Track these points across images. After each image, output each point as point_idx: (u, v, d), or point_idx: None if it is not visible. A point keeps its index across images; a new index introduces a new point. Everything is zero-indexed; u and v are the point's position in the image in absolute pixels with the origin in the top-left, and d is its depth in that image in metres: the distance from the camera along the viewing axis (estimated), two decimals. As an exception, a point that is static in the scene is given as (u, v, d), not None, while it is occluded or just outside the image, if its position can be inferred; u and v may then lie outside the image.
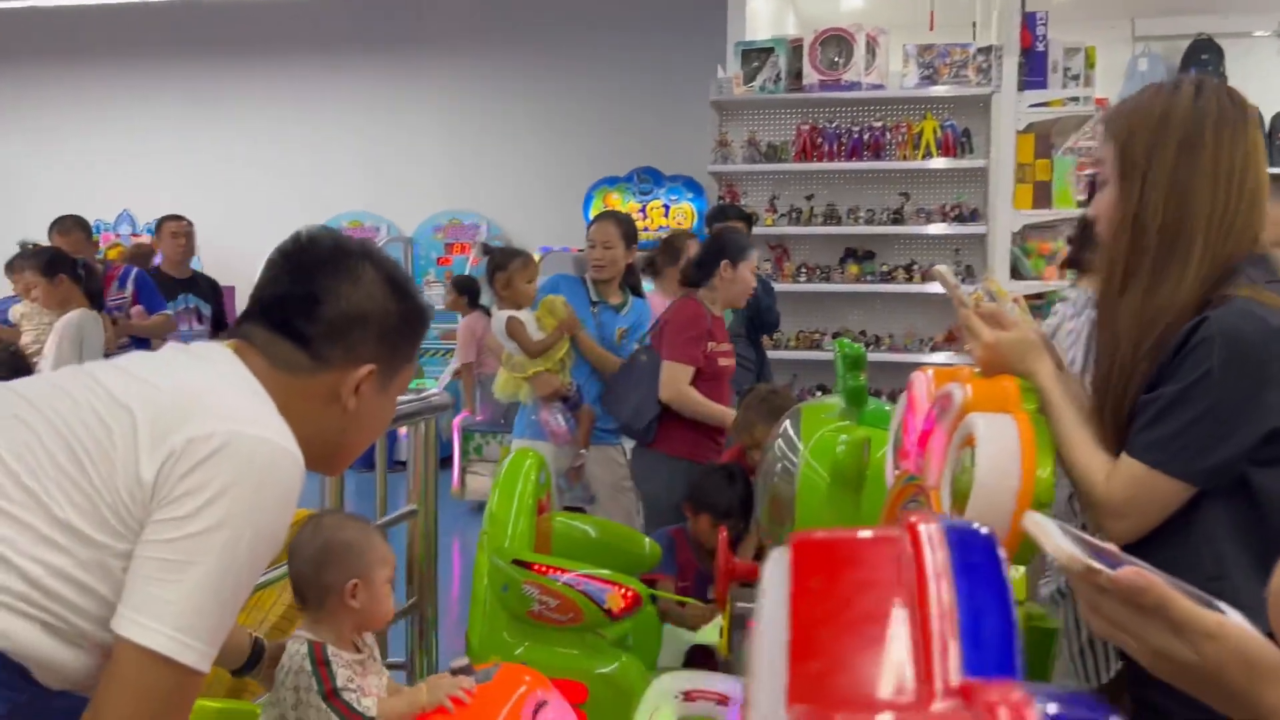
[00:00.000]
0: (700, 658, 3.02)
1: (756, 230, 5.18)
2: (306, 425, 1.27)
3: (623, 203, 8.66)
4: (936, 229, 5.80)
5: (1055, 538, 0.76)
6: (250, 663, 1.65)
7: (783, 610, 0.50)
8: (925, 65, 5.74)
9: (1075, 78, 5.76)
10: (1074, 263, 4.48)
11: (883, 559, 0.52)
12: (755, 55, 5.83)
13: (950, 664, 0.46)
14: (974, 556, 0.51)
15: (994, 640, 0.47)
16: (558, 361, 3.70)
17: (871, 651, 0.47)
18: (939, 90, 5.73)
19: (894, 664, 0.47)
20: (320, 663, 1.57)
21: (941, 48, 5.75)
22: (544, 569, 2.37)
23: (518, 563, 2.39)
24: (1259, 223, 1.39)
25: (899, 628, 0.49)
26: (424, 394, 2.88)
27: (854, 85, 5.70)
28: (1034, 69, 5.62)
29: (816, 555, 0.53)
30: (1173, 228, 1.37)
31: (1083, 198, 5.85)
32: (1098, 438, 1.43)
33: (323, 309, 1.31)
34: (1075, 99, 5.65)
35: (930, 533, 0.52)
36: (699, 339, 3.54)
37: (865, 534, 0.55)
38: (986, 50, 5.68)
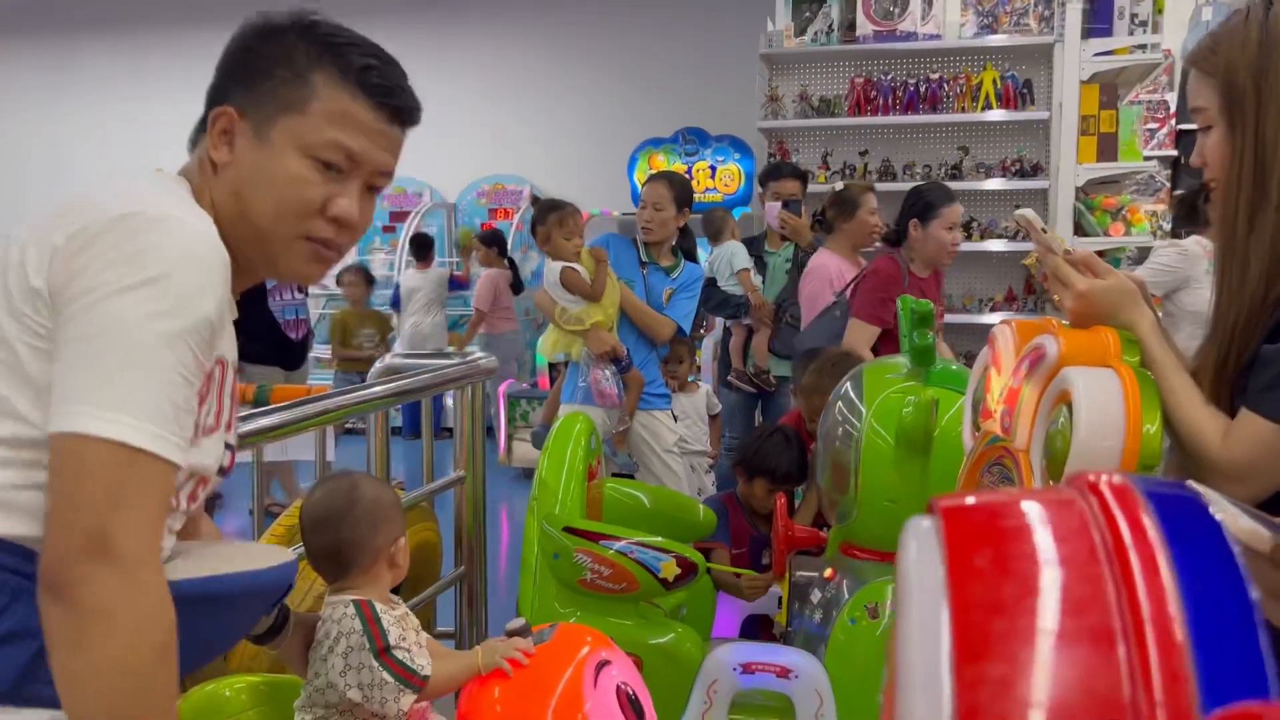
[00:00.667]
0: (757, 628, 2.93)
1: (809, 189, 5.01)
2: (210, 199, 1.19)
3: (668, 164, 8.47)
4: (996, 184, 5.59)
5: (1230, 511, 0.62)
6: (273, 630, 1.51)
7: (938, 596, 0.38)
8: (984, 14, 5.52)
9: (1143, 24, 5.50)
10: (1189, 217, 4.29)
11: (1064, 528, 0.40)
12: (806, 6, 5.65)
13: (1181, 669, 0.34)
14: (1188, 525, 0.39)
15: (1234, 636, 0.35)
16: (610, 317, 3.60)
17: (1066, 649, 0.36)
18: (998, 39, 5.50)
19: (1101, 668, 0.35)
20: (371, 620, 1.50)
21: (1002, -5, 5.52)
22: (596, 536, 2.28)
23: (569, 530, 2.30)
24: None
25: (1101, 617, 0.37)
26: (470, 358, 2.79)
27: (910, 35, 5.49)
28: (1098, 15, 5.38)
29: (976, 525, 0.40)
30: None
31: (1149, 153, 5.62)
32: (1207, 394, 1.30)
33: (215, 79, 1.27)
34: (1142, 46, 5.39)
35: (1123, 494, 0.40)
36: (891, 300, 3.47)
37: (1035, 498, 0.43)
38: (1049, -4, 5.44)
